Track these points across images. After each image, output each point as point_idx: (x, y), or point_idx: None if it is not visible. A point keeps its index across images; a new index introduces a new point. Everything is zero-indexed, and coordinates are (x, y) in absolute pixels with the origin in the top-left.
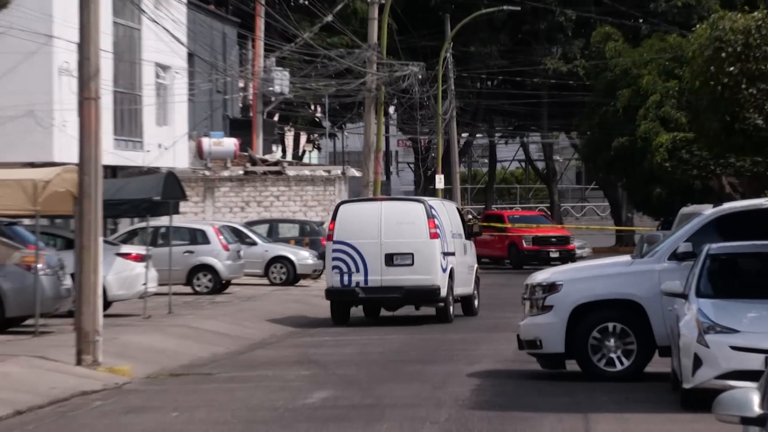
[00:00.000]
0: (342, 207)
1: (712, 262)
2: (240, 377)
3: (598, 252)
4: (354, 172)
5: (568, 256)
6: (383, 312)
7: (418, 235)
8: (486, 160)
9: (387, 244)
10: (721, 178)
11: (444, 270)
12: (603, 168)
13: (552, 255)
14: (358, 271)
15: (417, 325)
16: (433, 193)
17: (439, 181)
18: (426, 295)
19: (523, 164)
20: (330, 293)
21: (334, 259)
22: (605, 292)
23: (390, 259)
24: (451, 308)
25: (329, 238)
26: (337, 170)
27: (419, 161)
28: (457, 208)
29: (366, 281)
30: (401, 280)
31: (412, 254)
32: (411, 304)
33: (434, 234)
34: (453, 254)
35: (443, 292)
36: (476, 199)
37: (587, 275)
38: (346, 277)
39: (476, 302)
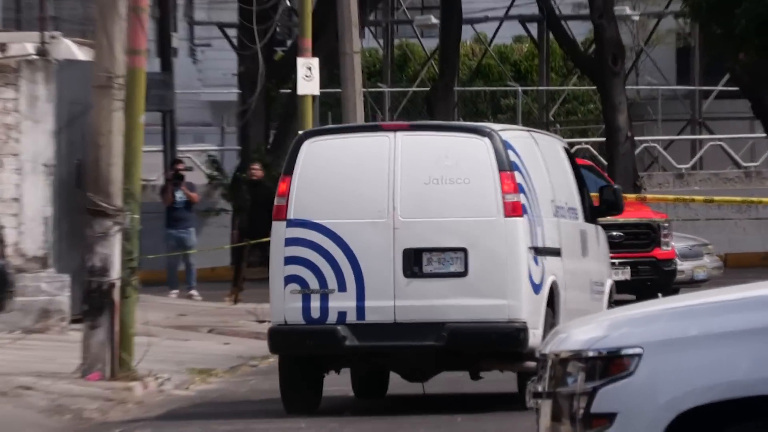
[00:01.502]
0: (308, 146)
1: None
2: None
3: (737, 264)
4: (76, 53)
5: (658, 277)
6: (398, 383)
7: (477, 208)
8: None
9: (407, 228)
10: None
11: (536, 287)
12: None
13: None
14: (342, 287)
15: (479, 419)
16: (289, 107)
17: (306, 74)
18: (496, 341)
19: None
20: (279, 338)
21: (289, 261)
22: (757, 380)
23: (414, 262)
24: None
25: (277, 214)
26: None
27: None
28: (565, 149)
29: (361, 310)
30: (439, 308)
31: (465, 251)
32: (459, 367)
33: (514, 206)
34: (557, 253)
35: (534, 337)
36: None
37: (705, 331)
38: (316, 302)
39: None
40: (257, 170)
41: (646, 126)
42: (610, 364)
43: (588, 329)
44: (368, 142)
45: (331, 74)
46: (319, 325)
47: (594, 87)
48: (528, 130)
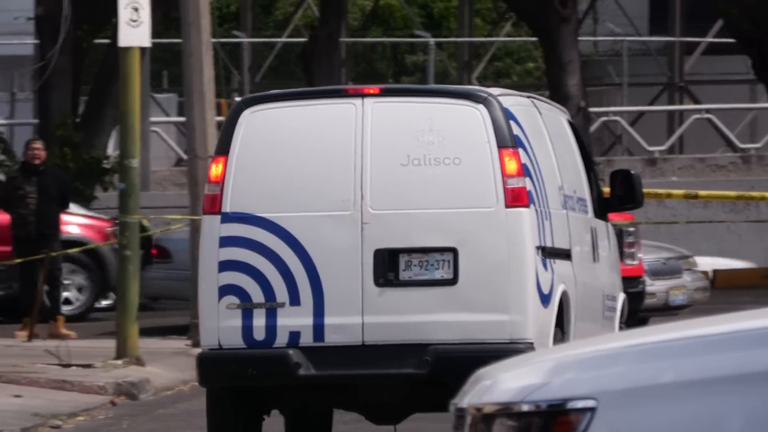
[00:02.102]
0: (249, 116)
1: None
2: None
3: (729, 285)
4: None
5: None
6: (344, 421)
7: (471, 196)
8: None
9: (379, 223)
10: None
11: (545, 297)
12: None
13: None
14: (295, 300)
15: None
16: (107, 64)
17: (131, 17)
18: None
19: None
20: (211, 366)
21: (225, 266)
22: None
23: (388, 266)
24: None
25: (210, 206)
26: None
27: None
28: (570, 123)
29: (319, 329)
30: (421, 325)
31: (454, 251)
32: (446, 403)
33: (518, 194)
34: (567, 255)
35: None
36: None
37: (682, 377)
38: (260, 319)
39: None
40: (38, 150)
41: (607, 93)
42: (551, 423)
43: (521, 373)
44: (328, 112)
45: (167, 18)
46: (264, 348)
47: (534, 38)
48: (530, 97)
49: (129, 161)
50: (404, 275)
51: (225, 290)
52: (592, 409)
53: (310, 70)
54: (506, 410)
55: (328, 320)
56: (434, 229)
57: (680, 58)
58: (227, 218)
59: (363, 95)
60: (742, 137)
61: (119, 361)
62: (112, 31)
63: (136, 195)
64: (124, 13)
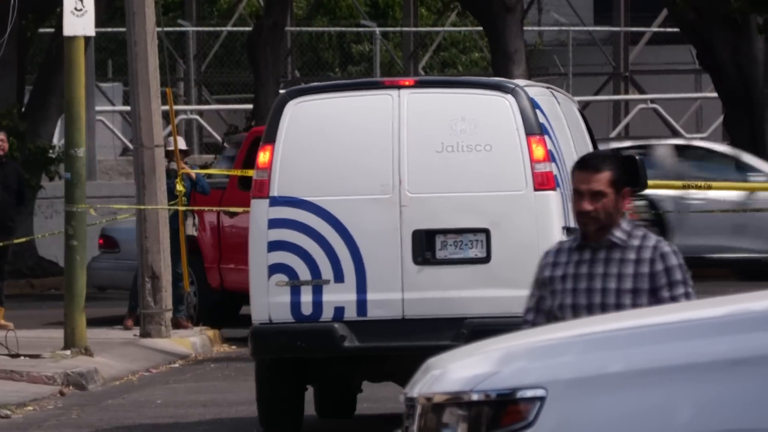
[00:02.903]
0: (294, 107)
1: None
2: None
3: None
4: None
5: None
6: (369, 399)
7: (501, 180)
8: None
9: (416, 205)
10: None
11: None
12: None
13: None
14: (339, 278)
15: None
16: (51, 53)
17: (76, 7)
18: None
19: None
20: (263, 340)
21: (274, 246)
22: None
23: (426, 246)
24: None
25: (258, 190)
26: None
27: None
28: (580, 111)
29: (362, 304)
30: (457, 300)
31: (486, 232)
32: None
33: (546, 177)
34: None
35: None
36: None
37: (631, 366)
38: (307, 296)
39: None
40: (2, 141)
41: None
42: (501, 412)
43: (471, 363)
44: (367, 103)
45: (111, 7)
46: (311, 322)
47: (480, 28)
48: (548, 87)
49: (75, 150)
50: (440, 254)
51: (274, 269)
52: (541, 399)
53: (256, 59)
54: (456, 399)
55: (371, 296)
56: (468, 211)
57: (625, 47)
58: (275, 202)
59: (399, 87)
60: (687, 127)
61: (67, 352)
62: (57, 20)
63: (82, 184)
64: (68, 2)
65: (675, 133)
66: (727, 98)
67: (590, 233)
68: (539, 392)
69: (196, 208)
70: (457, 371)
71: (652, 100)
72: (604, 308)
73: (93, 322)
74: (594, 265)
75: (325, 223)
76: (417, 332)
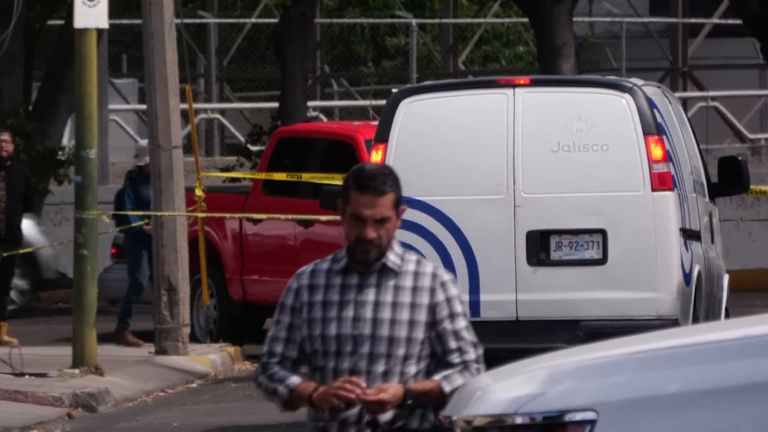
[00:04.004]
0: (407, 106)
1: None
2: None
3: (738, 287)
4: None
5: None
6: None
7: (619, 180)
8: None
9: (531, 206)
10: None
11: (687, 277)
12: None
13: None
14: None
15: None
16: (61, 47)
17: None
18: None
19: None
20: None
21: None
22: None
23: (540, 246)
24: None
25: None
26: None
27: None
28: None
29: (476, 305)
30: (572, 302)
31: (603, 233)
32: None
33: (664, 178)
34: (698, 237)
35: None
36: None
37: (688, 387)
38: None
39: None
40: (6, 142)
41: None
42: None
43: (515, 383)
44: (481, 101)
45: None
46: None
47: (525, 19)
48: (658, 86)
49: (86, 152)
50: (555, 255)
51: None
52: (591, 422)
53: (282, 54)
54: (498, 423)
55: (484, 297)
56: (584, 211)
57: (683, 40)
58: None
59: (514, 86)
60: (751, 126)
61: (76, 370)
62: (67, 12)
63: (94, 189)
64: None
65: (737, 134)
66: None
67: (369, 260)
68: (589, 415)
69: (217, 214)
70: (500, 391)
71: (713, 98)
72: (374, 340)
73: (104, 339)
74: (363, 292)
75: (438, 223)
76: (531, 334)
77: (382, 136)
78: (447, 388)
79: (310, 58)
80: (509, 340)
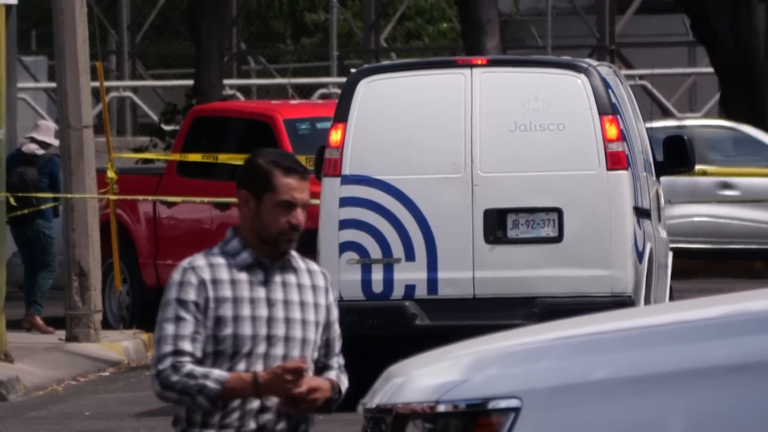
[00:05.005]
0: (365, 86)
1: None
2: None
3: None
4: None
5: None
6: None
7: (574, 159)
8: None
9: (488, 184)
10: None
11: (640, 255)
12: None
13: None
14: (410, 256)
15: None
16: None
17: None
18: None
19: None
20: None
21: (345, 225)
22: None
23: (497, 225)
24: None
25: (330, 169)
26: None
27: None
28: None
29: (433, 283)
30: (529, 280)
31: (559, 211)
32: None
33: (618, 157)
34: (649, 215)
35: None
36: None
37: (616, 373)
38: (378, 274)
39: None
40: None
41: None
42: (471, 425)
43: (437, 369)
44: (439, 81)
45: None
46: (382, 300)
47: None
48: (610, 66)
49: None
50: (512, 233)
51: (345, 246)
52: (516, 410)
53: (197, 30)
54: (420, 411)
55: (442, 275)
56: (540, 190)
57: (611, 17)
58: (347, 180)
59: (472, 66)
60: (680, 105)
61: None
62: None
63: (2, 170)
64: None
65: (666, 112)
66: (723, 73)
67: (291, 250)
68: (513, 402)
69: (130, 197)
70: (422, 379)
71: (641, 76)
72: (287, 341)
73: (13, 325)
74: (271, 289)
75: (397, 201)
76: (488, 311)
77: (342, 116)
78: (343, 388)
79: (226, 35)
80: (466, 317)
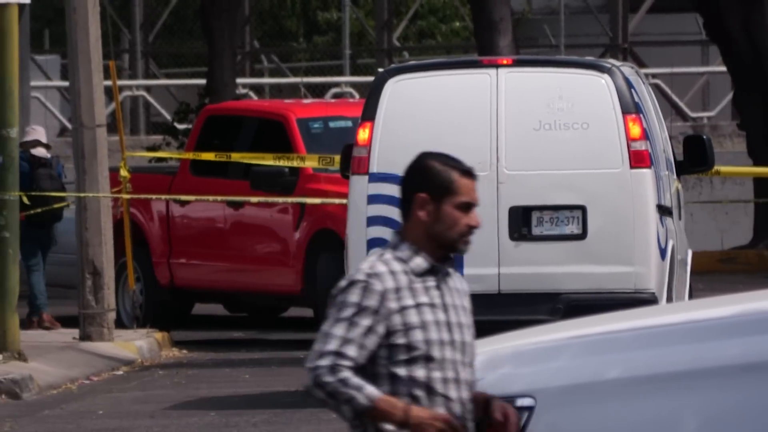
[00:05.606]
0: (393, 85)
1: None
2: None
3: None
4: None
5: None
6: None
7: (598, 158)
8: None
9: (513, 182)
10: None
11: (663, 252)
12: None
13: None
14: None
15: None
16: None
17: None
18: None
19: None
20: None
21: (373, 222)
22: None
23: (522, 222)
24: None
25: (358, 167)
26: None
27: None
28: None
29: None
30: (553, 276)
31: (583, 209)
32: None
33: (641, 156)
34: (671, 212)
35: None
36: None
37: (630, 372)
38: None
39: None
40: None
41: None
42: (484, 423)
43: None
44: (465, 81)
45: None
46: None
47: None
48: (632, 66)
49: (7, 131)
50: (536, 230)
51: (373, 243)
52: (529, 408)
53: (210, 29)
54: None
55: (467, 271)
56: (564, 188)
57: (624, 16)
58: (374, 178)
59: (497, 66)
60: (693, 105)
61: None
62: None
63: (15, 169)
64: None
65: (679, 112)
66: (736, 73)
67: (463, 253)
68: (527, 401)
69: (143, 195)
70: None
71: (654, 75)
72: (463, 347)
73: (21, 324)
74: (444, 293)
75: None
76: (513, 306)
77: (369, 115)
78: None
79: (238, 33)
80: (491, 312)
